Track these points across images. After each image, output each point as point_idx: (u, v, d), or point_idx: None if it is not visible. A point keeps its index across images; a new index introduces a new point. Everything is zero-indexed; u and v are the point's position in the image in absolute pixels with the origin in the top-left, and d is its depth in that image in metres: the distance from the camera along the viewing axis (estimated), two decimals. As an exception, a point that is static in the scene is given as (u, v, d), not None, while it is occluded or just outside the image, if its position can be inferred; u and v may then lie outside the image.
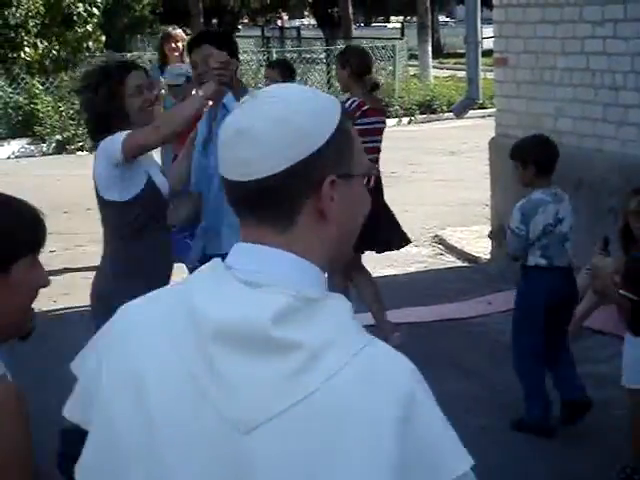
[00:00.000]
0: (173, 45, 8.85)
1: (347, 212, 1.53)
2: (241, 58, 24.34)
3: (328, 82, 21.28)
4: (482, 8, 10.25)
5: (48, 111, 16.64)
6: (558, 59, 8.21)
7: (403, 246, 7.23)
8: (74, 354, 1.64)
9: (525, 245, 5.38)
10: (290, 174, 1.48)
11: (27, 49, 17.08)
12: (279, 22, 44.10)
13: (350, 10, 31.62)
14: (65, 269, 8.94)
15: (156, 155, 5.94)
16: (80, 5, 17.31)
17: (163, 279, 4.24)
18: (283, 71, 7.63)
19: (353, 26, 33.31)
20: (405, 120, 20.47)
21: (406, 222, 10.76)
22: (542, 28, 8.37)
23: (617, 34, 7.57)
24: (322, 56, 23.83)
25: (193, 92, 8.47)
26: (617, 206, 5.89)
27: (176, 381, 1.46)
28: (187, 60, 9.09)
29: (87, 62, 17.50)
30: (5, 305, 2.04)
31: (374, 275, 8.72)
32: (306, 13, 53.62)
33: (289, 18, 49.27)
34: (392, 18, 58.59)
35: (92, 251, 9.69)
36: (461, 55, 27.19)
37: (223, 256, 1.55)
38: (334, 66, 16.67)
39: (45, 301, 7.66)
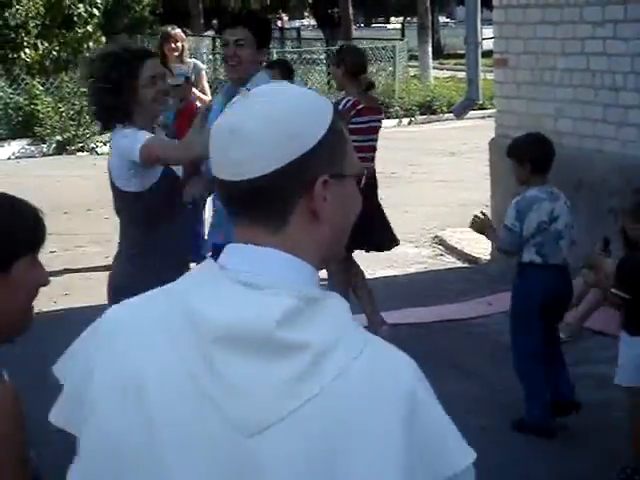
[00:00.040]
0: (172, 45, 8.86)
1: (339, 212, 1.53)
2: (241, 59, 23.97)
3: (328, 83, 21.25)
4: (482, 9, 10.25)
5: (48, 112, 16.64)
6: (558, 60, 8.21)
7: (392, 247, 7.24)
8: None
9: (519, 242, 5.40)
10: (282, 174, 1.47)
11: (27, 50, 17.10)
12: (279, 23, 44.06)
13: (350, 11, 31.62)
14: (65, 270, 8.94)
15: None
16: (80, 6, 17.32)
17: (180, 266, 3.88)
18: (282, 71, 7.66)
19: (353, 27, 33.32)
20: (405, 121, 20.47)
21: (406, 223, 10.81)
22: (542, 29, 8.37)
23: (617, 35, 7.57)
24: (322, 57, 23.84)
25: (194, 90, 8.46)
26: (617, 207, 5.89)
27: (176, 381, 1.45)
28: (187, 60, 9.12)
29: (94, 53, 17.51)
30: (5, 304, 2.04)
31: (374, 276, 8.73)
32: (306, 14, 53.61)
33: (289, 19, 49.23)
34: (392, 19, 58.58)
35: (92, 252, 9.70)
36: (461, 56, 27.18)
37: None
38: (334, 67, 16.62)
39: (45, 302, 7.66)
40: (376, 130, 6.97)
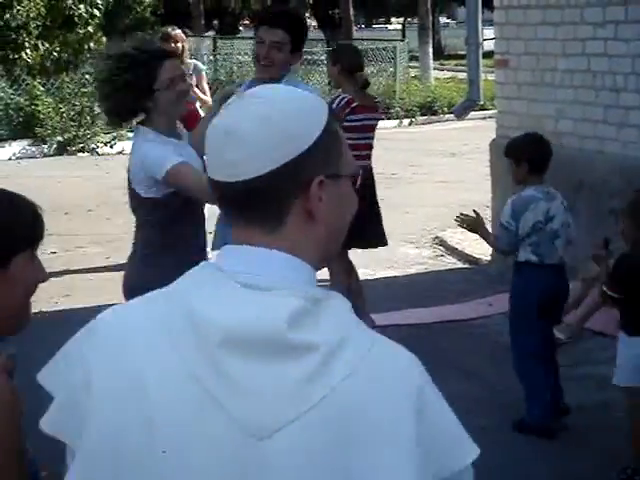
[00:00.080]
0: (172, 46, 8.85)
1: (335, 212, 1.53)
2: (241, 59, 24.16)
3: (329, 83, 21.24)
4: (483, 10, 10.26)
5: (49, 112, 16.64)
6: (559, 61, 8.21)
7: (377, 246, 7.26)
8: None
9: (515, 240, 5.42)
10: (277, 175, 1.48)
11: (28, 51, 17.10)
12: (280, 23, 43.98)
13: (351, 11, 31.64)
14: (66, 270, 8.94)
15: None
16: (81, 6, 17.33)
17: (194, 266, 3.89)
18: None
19: (354, 27, 33.33)
20: (406, 122, 20.48)
21: (407, 223, 10.81)
22: (543, 30, 8.37)
23: (618, 36, 7.58)
24: (323, 57, 23.83)
25: (195, 90, 8.44)
26: (618, 208, 5.90)
27: (176, 382, 1.44)
28: (187, 61, 9.12)
29: (91, 61, 17.53)
30: (3, 300, 2.05)
31: (375, 277, 8.73)
32: (307, 15, 53.65)
33: (290, 19, 49.16)
34: (393, 19, 58.62)
35: (93, 252, 9.71)
36: (462, 57, 27.19)
37: None
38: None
39: (46, 302, 7.67)
40: (372, 128, 6.99)
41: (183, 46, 8.98)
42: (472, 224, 5.61)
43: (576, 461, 5.15)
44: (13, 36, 17.02)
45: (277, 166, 1.47)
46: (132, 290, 4.08)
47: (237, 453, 1.42)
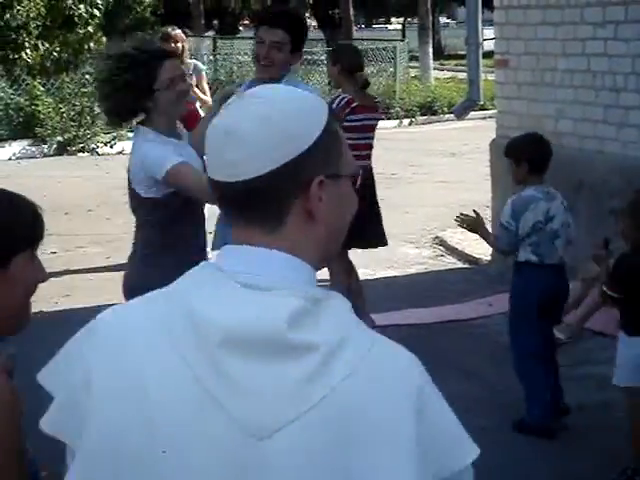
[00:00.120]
0: (172, 46, 8.84)
1: (335, 212, 1.53)
2: (241, 59, 24.13)
3: (329, 84, 21.24)
4: (483, 10, 10.26)
5: (49, 112, 16.65)
6: (559, 61, 8.21)
7: (378, 246, 7.26)
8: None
9: (515, 240, 5.43)
10: (277, 175, 1.48)
11: (28, 51, 17.11)
12: (280, 23, 44.01)
13: (351, 11, 31.64)
14: (66, 271, 8.94)
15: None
16: (81, 6, 17.33)
17: (195, 265, 3.84)
18: None
19: (354, 27, 33.34)
20: (406, 121, 20.48)
21: (407, 223, 10.81)
22: (543, 30, 8.37)
23: (618, 36, 7.58)
24: (323, 57, 23.82)
25: (195, 90, 8.43)
26: (618, 207, 5.90)
27: (176, 382, 1.44)
28: (187, 61, 9.12)
29: (91, 61, 17.52)
30: (3, 300, 2.05)
31: (375, 277, 8.73)
32: (307, 15, 53.63)
33: (290, 20, 49.19)
34: (393, 20, 58.62)
35: (93, 252, 9.71)
36: (462, 57, 27.19)
37: None
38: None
39: (46, 303, 7.67)
40: (372, 128, 7.00)
41: (183, 46, 8.98)
42: (472, 224, 5.61)
43: (576, 461, 5.15)
44: (13, 36, 17.02)
45: (277, 166, 1.47)
46: (132, 290, 4.06)
47: (237, 453, 1.41)
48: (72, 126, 16.63)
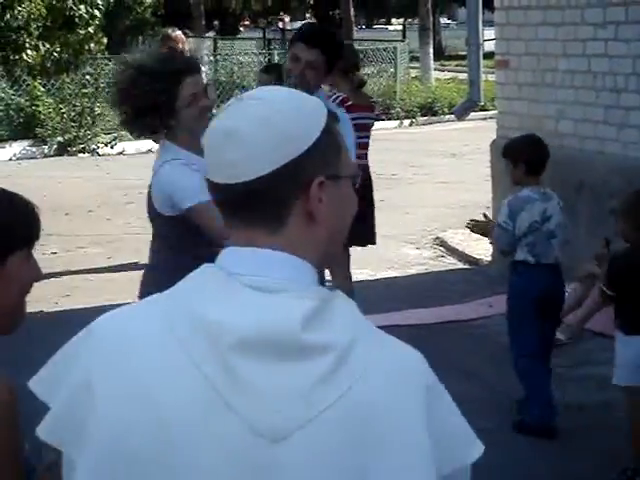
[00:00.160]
0: (173, 47, 8.85)
1: (335, 213, 1.53)
2: (242, 60, 24.09)
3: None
4: (483, 10, 10.27)
5: (49, 113, 16.66)
6: (559, 61, 8.21)
7: (366, 245, 7.27)
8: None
9: (512, 240, 5.45)
10: (277, 176, 1.47)
11: (29, 51, 17.10)
12: (280, 24, 44.13)
13: (351, 12, 31.66)
14: (66, 271, 8.94)
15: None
16: (82, 7, 17.32)
17: None
18: (277, 75, 7.79)
19: (354, 28, 33.34)
20: (406, 122, 20.48)
21: (407, 224, 10.82)
22: (543, 30, 8.37)
23: (618, 36, 7.58)
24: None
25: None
26: (616, 207, 5.91)
27: (184, 382, 1.43)
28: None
29: (90, 64, 17.52)
30: None
31: (375, 277, 8.73)
32: (307, 15, 53.65)
33: (291, 20, 49.28)
34: (393, 20, 58.64)
35: (93, 253, 9.71)
36: (462, 57, 27.19)
37: None
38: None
39: (46, 303, 7.67)
40: (367, 127, 7.02)
41: (183, 47, 8.98)
42: (484, 228, 5.65)
43: (576, 461, 5.15)
44: (14, 37, 17.02)
45: (277, 167, 1.47)
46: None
47: (248, 454, 1.41)
48: (72, 127, 16.64)
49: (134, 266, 8.84)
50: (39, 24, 17.09)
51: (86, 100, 17.02)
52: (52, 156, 16.45)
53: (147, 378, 1.44)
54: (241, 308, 1.44)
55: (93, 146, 16.66)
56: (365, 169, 6.81)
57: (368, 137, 7.04)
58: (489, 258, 8.89)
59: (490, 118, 15.09)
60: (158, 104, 3.91)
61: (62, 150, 16.60)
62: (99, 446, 1.44)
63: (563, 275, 5.61)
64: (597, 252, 5.21)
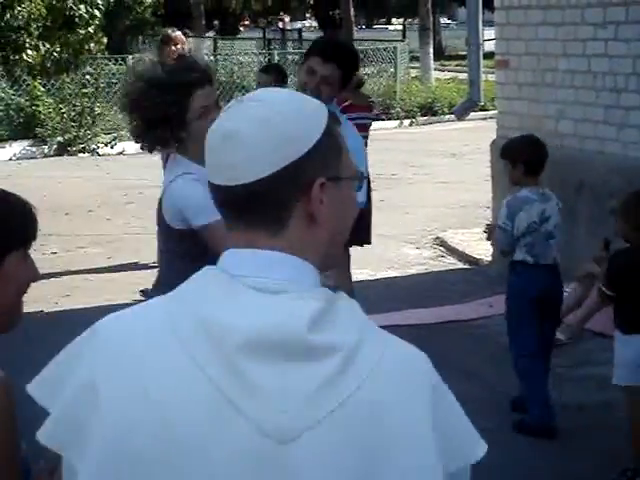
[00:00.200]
0: (172, 48, 8.86)
1: (337, 215, 1.53)
2: (242, 60, 24.08)
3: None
4: (484, 10, 10.27)
5: (49, 113, 16.66)
6: (559, 61, 8.21)
7: (362, 245, 7.27)
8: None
9: (511, 240, 5.47)
10: (278, 178, 1.47)
11: (29, 51, 17.11)
12: (280, 24, 44.15)
13: (351, 12, 31.66)
14: (66, 271, 8.93)
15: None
16: (82, 7, 17.33)
17: None
18: (276, 75, 7.83)
19: (354, 28, 33.34)
20: (406, 122, 20.48)
21: (407, 224, 10.82)
22: (543, 30, 8.37)
23: (618, 36, 7.58)
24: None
25: None
26: (614, 207, 5.92)
27: (188, 382, 1.42)
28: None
29: (90, 64, 17.53)
30: None
31: (375, 277, 8.73)
32: (308, 15, 53.67)
33: (291, 20, 49.31)
34: (393, 20, 58.65)
35: (93, 253, 9.71)
36: (462, 57, 27.20)
37: None
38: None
39: (46, 303, 7.67)
40: (365, 127, 7.05)
41: (183, 48, 8.98)
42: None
43: (576, 461, 5.15)
44: (14, 37, 17.02)
45: (277, 169, 1.47)
46: None
47: (255, 454, 1.40)
48: (72, 127, 16.65)
49: (134, 266, 8.85)
50: (39, 24, 17.09)
51: (86, 100, 17.02)
52: (52, 156, 16.45)
53: (150, 379, 1.44)
54: (245, 310, 1.44)
55: (93, 146, 16.66)
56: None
57: (366, 137, 7.06)
58: (489, 258, 8.88)
59: (490, 118, 15.09)
60: (169, 116, 3.86)
61: (62, 150, 16.61)
62: (103, 446, 1.43)
63: (562, 275, 5.62)
64: (596, 254, 5.21)
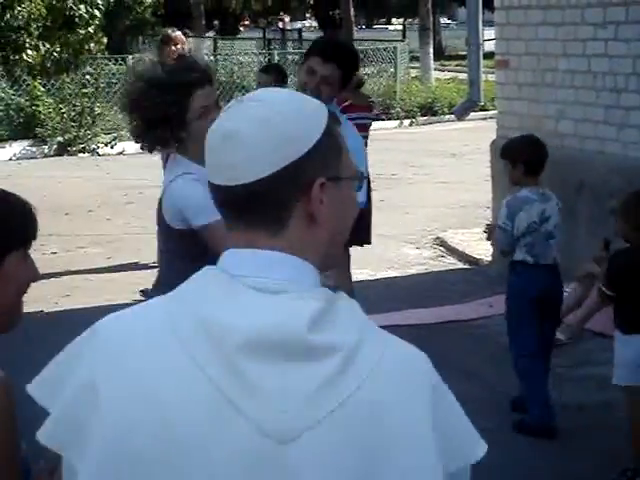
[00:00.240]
0: (172, 48, 8.86)
1: (337, 214, 1.53)
2: (242, 60, 24.10)
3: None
4: (484, 10, 10.27)
5: (49, 113, 16.67)
6: (559, 61, 8.21)
7: (362, 245, 7.28)
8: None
9: (511, 240, 5.48)
10: (277, 178, 1.47)
11: (29, 51, 17.11)
12: (280, 24, 44.16)
13: (351, 12, 31.65)
14: (66, 271, 8.94)
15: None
16: (81, 7, 17.34)
17: None
18: (276, 75, 7.87)
19: (354, 28, 33.34)
20: (406, 122, 20.48)
21: (407, 224, 10.82)
22: (544, 30, 8.37)
23: (618, 36, 7.58)
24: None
25: None
26: (614, 207, 5.92)
27: (188, 382, 1.42)
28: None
29: (90, 64, 17.53)
30: None
31: (375, 277, 8.73)
32: (308, 15, 53.67)
33: (291, 20, 49.31)
34: (393, 20, 58.66)
35: (93, 253, 9.71)
36: (462, 57, 27.19)
37: None
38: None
39: (46, 303, 7.67)
40: (365, 127, 7.06)
41: (183, 48, 8.98)
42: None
43: (576, 461, 5.15)
44: (14, 37, 17.03)
45: (277, 169, 1.47)
46: None
47: (255, 455, 1.40)
48: (72, 126, 16.65)
49: (134, 266, 8.85)
50: (39, 24, 17.09)
51: (86, 100, 17.02)
52: (52, 156, 16.46)
53: (150, 379, 1.44)
54: (245, 310, 1.43)
55: (93, 146, 16.66)
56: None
57: (366, 137, 7.07)
58: (489, 258, 8.88)
59: (490, 118, 15.09)
60: (169, 116, 3.85)
61: (62, 150, 16.61)
62: (103, 446, 1.43)
63: (562, 275, 5.62)
64: (596, 254, 5.22)
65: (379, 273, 8.88)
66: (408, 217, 11.28)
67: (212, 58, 22.80)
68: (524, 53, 8.62)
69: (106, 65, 18.79)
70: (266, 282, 1.46)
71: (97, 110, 17.08)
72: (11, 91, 16.85)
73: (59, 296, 8.09)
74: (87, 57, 17.74)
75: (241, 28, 43.23)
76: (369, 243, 7.41)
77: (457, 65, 31.82)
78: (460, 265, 9.37)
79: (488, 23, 12.42)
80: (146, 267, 8.49)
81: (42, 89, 16.91)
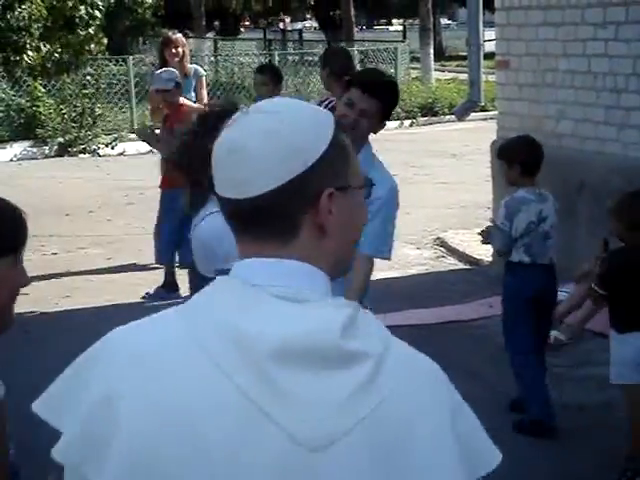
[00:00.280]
0: (173, 50, 8.86)
1: (346, 224, 1.52)
2: (243, 61, 24.06)
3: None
4: (484, 11, 10.27)
5: (50, 114, 16.67)
6: (560, 61, 8.21)
7: None
8: (76, 356, 1.55)
9: (509, 241, 5.49)
10: (284, 192, 1.46)
11: (30, 52, 17.13)
12: (281, 25, 44.17)
13: (352, 12, 31.65)
14: (66, 272, 8.94)
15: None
16: (82, 8, 17.34)
17: None
18: (272, 76, 7.96)
19: (355, 28, 33.34)
20: (407, 122, 20.47)
21: (407, 224, 10.80)
22: (544, 30, 8.37)
23: (619, 36, 7.58)
24: (324, 59, 23.78)
25: (182, 100, 8.31)
26: (610, 207, 5.93)
27: (215, 391, 1.40)
28: (188, 65, 9.12)
29: (90, 65, 17.55)
30: None
31: (375, 277, 8.72)
32: (308, 16, 53.66)
33: (291, 20, 49.33)
34: (394, 21, 58.64)
35: (94, 253, 9.71)
36: (463, 58, 27.19)
37: None
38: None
39: (46, 303, 7.68)
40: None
41: (184, 50, 8.97)
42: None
43: (576, 461, 5.15)
44: (14, 38, 17.04)
45: (282, 183, 1.46)
46: None
47: (287, 463, 1.39)
48: (73, 127, 16.65)
49: (134, 267, 8.86)
50: (40, 25, 17.09)
51: (87, 101, 17.03)
52: (53, 157, 16.46)
53: (174, 389, 1.41)
54: (272, 317, 1.42)
55: (94, 147, 16.67)
56: None
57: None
58: (489, 259, 8.88)
59: (490, 119, 15.09)
60: (202, 160, 3.71)
61: (63, 151, 16.61)
62: (123, 460, 1.40)
63: (562, 275, 5.63)
64: (597, 255, 5.22)
65: (379, 273, 8.86)
66: (408, 217, 11.26)
67: (212, 59, 22.82)
68: (524, 53, 8.62)
69: (106, 66, 18.81)
70: (285, 290, 1.45)
71: (98, 111, 17.09)
72: (12, 92, 16.85)
73: (59, 297, 8.09)
74: (87, 58, 17.78)
75: (241, 29, 43.24)
76: None
77: (457, 66, 31.81)
78: (460, 265, 9.38)
79: (488, 24, 12.41)
80: (146, 268, 8.50)
81: (43, 90, 16.92)
